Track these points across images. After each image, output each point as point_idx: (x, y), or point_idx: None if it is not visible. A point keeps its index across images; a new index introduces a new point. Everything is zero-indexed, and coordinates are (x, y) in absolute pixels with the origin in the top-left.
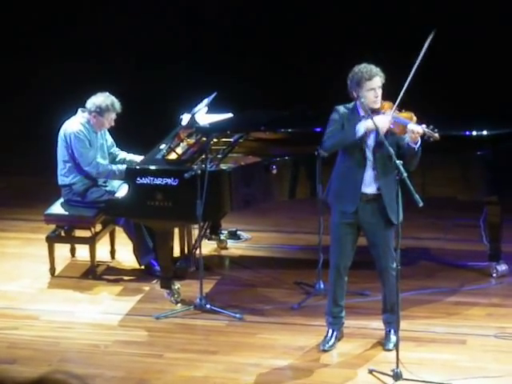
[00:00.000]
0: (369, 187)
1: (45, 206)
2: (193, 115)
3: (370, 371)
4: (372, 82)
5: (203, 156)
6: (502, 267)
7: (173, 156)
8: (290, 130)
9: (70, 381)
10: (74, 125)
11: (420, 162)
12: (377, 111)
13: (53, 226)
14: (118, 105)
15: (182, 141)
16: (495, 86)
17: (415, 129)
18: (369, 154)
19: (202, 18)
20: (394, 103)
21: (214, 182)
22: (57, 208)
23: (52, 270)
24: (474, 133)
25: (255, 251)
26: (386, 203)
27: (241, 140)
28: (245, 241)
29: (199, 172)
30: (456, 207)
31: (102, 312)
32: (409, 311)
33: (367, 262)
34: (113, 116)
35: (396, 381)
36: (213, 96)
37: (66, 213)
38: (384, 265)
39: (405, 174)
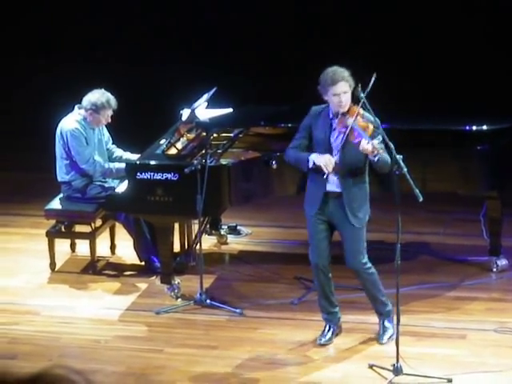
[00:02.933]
0: (333, 185)
1: (44, 201)
2: (193, 110)
3: (370, 366)
4: (336, 87)
5: (203, 151)
6: (502, 262)
7: (173, 151)
8: (289, 125)
9: (70, 376)
10: (70, 122)
11: (420, 156)
12: (344, 114)
13: (53, 222)
14: (113, 101)
15: (181, 136)
16: (495, 81)
17: (364, 146)
18: (334, 153)
19: (202, 13)
20: (364, 105)
21: (213, 176)
22: (57, 203)
23: (52, 265)
24: (474, 128)
25: (255, 246)
26: (345, 203)
27: (241, 135)
28: (245, 236)
29: (199, 167)
30: (456, 202)
31: (102, 307)
32: (409, 306)
33: (368, 256)
34: (109, 113)
35: (396, 375)
36: (213, 91)
37: (66, 208)
38: (351, 260)
39: (405, 169)
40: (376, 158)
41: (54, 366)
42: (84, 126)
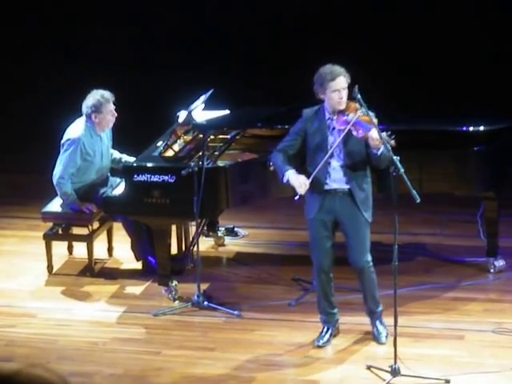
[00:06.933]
0: (338, 183)
1: (42, 204)
2: (189, 112)
3: (368, 367)
4: (335, 82)
5: (200, 153)
6: (500, 262)
7: (170, 153)
8: (286, 127)
9: (46, 376)
10: (76, 130)
11: (417, 157)
12: (342, 112)
13: (50, 224)
14: (107, 94)
15: (178, 138)
16: (491, 81)
17: (374, 136)
18: (337, 151)
19: (200, 16)
20: (360, 104)
21: (211, 178)
22: (54, 206)
23: (49, 267)
24: (471, 128)
25: (253, 248)
26: (356, 199)
27: (238, 137)
28: (242, 237)
29: (196, 169)
30: (453, 203)
31: (99, 309)
32: (406, 307)
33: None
34: (111, 107)
35: (394, 377)
36: (209, 93)
37: (64, 210)
38: (357, 258)
39: (402, 170)
40: (380, 151)
41: (33, 364)
42: (91, 135)
